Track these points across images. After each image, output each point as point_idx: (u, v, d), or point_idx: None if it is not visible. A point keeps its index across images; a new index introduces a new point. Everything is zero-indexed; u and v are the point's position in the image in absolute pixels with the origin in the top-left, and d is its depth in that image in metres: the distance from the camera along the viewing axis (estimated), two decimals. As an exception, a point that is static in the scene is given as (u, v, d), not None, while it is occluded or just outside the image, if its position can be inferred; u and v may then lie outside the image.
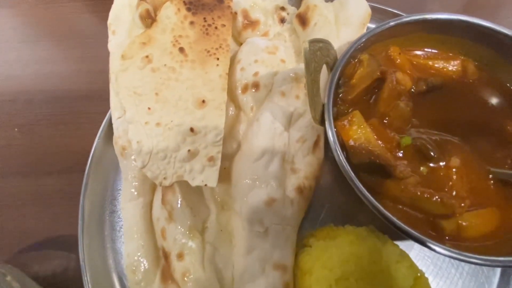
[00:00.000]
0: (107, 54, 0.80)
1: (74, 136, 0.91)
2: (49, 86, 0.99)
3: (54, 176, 0.87)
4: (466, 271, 0.71)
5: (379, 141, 0.63)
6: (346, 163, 0.58)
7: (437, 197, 0.56)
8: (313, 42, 0.60)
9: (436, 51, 0.75)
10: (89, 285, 0.68)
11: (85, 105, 0.95)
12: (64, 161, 0.88)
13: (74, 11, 1.12)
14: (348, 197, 0.76)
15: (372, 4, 0.86)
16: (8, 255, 0.79)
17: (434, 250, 0.52)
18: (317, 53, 0.61)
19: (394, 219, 0.54)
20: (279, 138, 0.72)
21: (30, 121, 0.95)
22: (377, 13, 0.89)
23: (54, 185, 0.86)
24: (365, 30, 0.82)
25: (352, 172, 0.58)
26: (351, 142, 0.62)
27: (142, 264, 0.67)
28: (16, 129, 0.94)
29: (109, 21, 0.83)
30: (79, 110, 0.95)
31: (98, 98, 0.84)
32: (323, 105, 0.64)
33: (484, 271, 0.71)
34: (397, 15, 0.88)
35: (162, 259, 0.68)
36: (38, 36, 1.09)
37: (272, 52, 0.82)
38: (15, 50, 1.07)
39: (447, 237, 0.57)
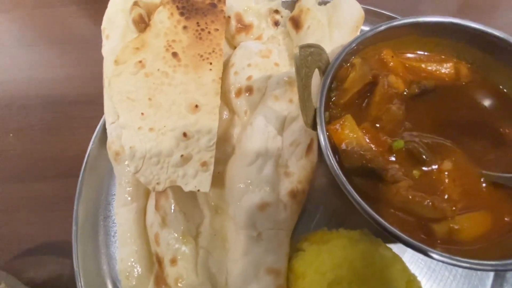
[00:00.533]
0: (101, 58, 0.80)
1: (68, 141, 0.92)
2: (44, 90, 0.99)
3: (49, 181, 0.87)
4: (459, 273, 0.71)
5: (372, 145, 0.63)
6: (338, 167, 0.58)
7: (428, 201, 0.56)
8: (304, 47, 0.60)
9: (428, 53, 0.75)
10: (83, 290, 0.68)
11: (80, 110, 0.95)
12: (59, 166, 0.88)
13: (69, 15, 1.12)
14: (342, 200, 0.76)
15: (366, 7, 0.86)
16: (2, 261, 0.79)
17: (425, 254, 0.52)
18: (308, 58, 0.61)
19: (385, 223, 0.54)
20: (272, 142, 0.72)
21: (25, 126, 0.95)
22: (370, 16, 0.89)
23: (48, 190, 0.86)
24: (358, 33, 0.82)
25: (343, 176, 0.57)
26: (343, 146, 0.62)
27: (136, 270, 0.67)
28: (11, 134, 0.94)
29: (103, 26, 0.83)
30: (73, 115, 0.95)
31: (93, 103, 0.84)
32: (315, 110, 0.64)
33: (478, 273, 0.71)
34: (390, 18, 0.88)
35: (155, 264, 0.68)
36: (33, 40, 1.09)
37: (265, 56, 0.82)
38: (10, 55, 1.07)
39: (438, 241, 0.56)
